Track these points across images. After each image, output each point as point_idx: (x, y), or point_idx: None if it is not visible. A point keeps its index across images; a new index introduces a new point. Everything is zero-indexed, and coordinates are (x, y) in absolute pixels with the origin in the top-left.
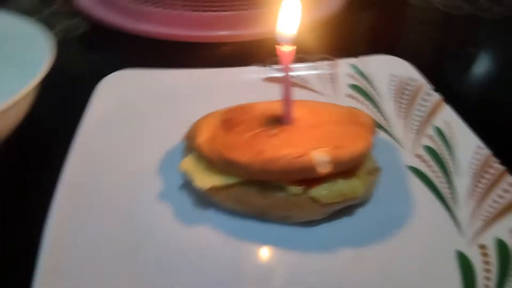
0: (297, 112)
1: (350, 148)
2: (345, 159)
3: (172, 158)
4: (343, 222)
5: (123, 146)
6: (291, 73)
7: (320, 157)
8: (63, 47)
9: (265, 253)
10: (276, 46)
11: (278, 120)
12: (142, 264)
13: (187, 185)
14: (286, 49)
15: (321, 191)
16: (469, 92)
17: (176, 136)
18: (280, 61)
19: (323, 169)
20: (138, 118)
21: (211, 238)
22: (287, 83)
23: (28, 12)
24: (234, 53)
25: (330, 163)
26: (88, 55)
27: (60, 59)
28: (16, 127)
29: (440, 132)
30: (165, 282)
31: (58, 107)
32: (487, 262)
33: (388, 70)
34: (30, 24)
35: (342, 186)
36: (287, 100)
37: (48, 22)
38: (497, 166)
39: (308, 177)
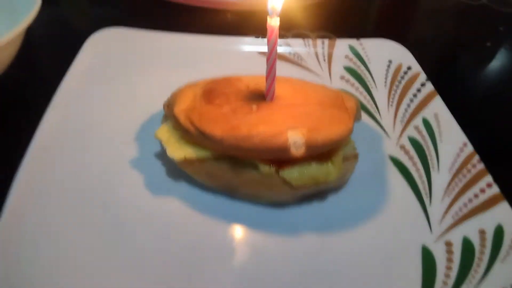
0: (281, 90)
1: (327, 131)
2: (320, 143)
3: (152, 124)
4: (314, 207)
5: (103, 106)
6: (283, 49)
7: (295, 138)
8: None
9: (230, 230)
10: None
11: (260, 96)
12: (104, 225)
13: (163, 153)
14: (272, 23)
15: (292, 173)
16: (467, 87)
17: (159, 102)
18: (268, 35)
19: (296, 151)
20: (122, 78)
21: (178, 209)
22: (272, 60)
23: None
24: (234, 21)
25: (304, 145)
26: (86, 8)
27: (54, 10)
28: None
29: (427, 124)
30: (124, 245)
31: (45, 62)
32: (450, 260)
33: (387, 55)
34: None
35: (315, 170)
36: (270, 76)
37: None
38: (477, 164)
39: (280, 158)
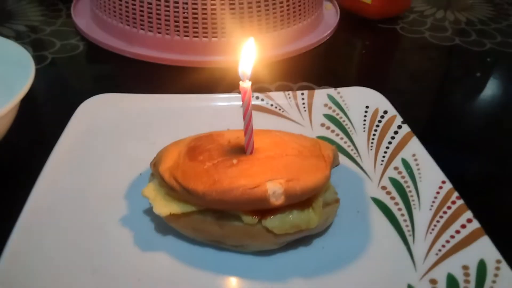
0: (261, 142)
1: (304, 180)
2: (298, 192)
3: (141, 182)
4: (300, 252)
5: (94, 168)
6: (265, 102)
7: (274, 189)
8: (58, 66)
9: (220, 281)
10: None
11: (241, 150)
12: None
13: (151, 210)
14: (245, 85)
15: (274, 222)
16: (441, 125)
17: (147, 161)
18: (242, 96)
19: (276, 201)
20: (112, 140)
21: (167, 264)
22: (248, 117)
23: (32, 29)
24: (221, 77)
25: (283, 195)
26: (81, 75)
27: (53, 78)
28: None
29: (406, 165)
30: None
31: (41, 129)
32: None
33: (363, 102)
34: (15, 47)
35: (296, 218)
36: (248, 132)
37: (48, 40)
38: (456, 201)
39: (262, 208)
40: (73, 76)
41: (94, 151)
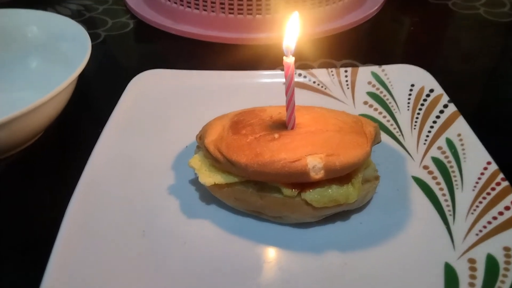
0: (302, 118)
1: (344, 156)
2: (338, 167)
3: (187, 154)
4: (337, 226)
5: (144, 140)
6: (308, 79)
7: (314, 163)
8: (110, 43)
9: (258, 249)
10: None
11: (282, 125)
12: (144, 249)
13: (197, 180)
14: (288, 60)
15: (313, 195)
16: (491, 107)
17: (195, 133)
18: (285, 71)
19: (316, 175)
20: (161, 114)
21: (210, 231)
22: (290, 93)
23: (86, 7)
24: (264, 54)
25: (323, 169)
26: (131, 51)
27: (106, 54)
28: (56, 117)
29: (451, 144)
30: (163, 267)
31: (96, 101)
32: (473, 276)
33: (408, 80)
34: (74, 24)
35: (335, 192)
36: (290, 107)
37: (101, 19)
38: (502, 182)
39: (302, 181)
40: (124, 52)
41: (144, 124)
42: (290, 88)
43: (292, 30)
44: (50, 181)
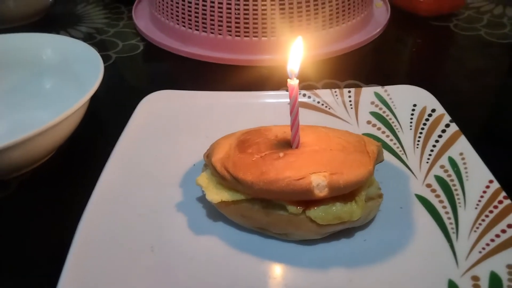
0: (306, 137)
1: (348, 174)
2: (341, 185)
3: (196, 172)
4: (342, 243)
5: (153, 158)
6: (312, 100)
7: (318, 181)
8: (121, 65)
9: (264, 266)
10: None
11: (287, 144)
12: (152, 264)
13: (204, 198)
14: (292, 82)
15: (318, 213)
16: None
17: (202, 152)
18: (289, 93)
19: (320, 193)
20: (169, 133)
21: (216, 247)
22: (294, 113)
23: (98, 30)
24: (270, 75)
25: (327, 187)
26: (141, 73)
27: (117, 76)
28: (69, 136)
29: (453, 163)
30: (171, 282)
31: (107, 121)
32: None
33: (411, 100)
34: (87, 48)
35: (339, 210)
36: (294, 127)
37: (112, 41)
38: (504, 200)
39: (306, 199)
40: (134, 73)
41: (153, 142)
42: (294, 109)
43: (295, 54)
44: (62, 198)
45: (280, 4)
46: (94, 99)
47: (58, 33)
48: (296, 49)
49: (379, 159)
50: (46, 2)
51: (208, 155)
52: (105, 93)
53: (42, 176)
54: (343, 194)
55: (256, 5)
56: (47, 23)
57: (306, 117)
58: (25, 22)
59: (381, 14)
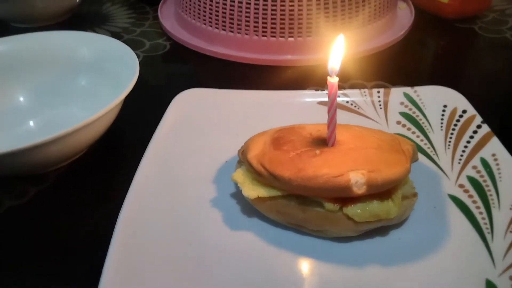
0: (341, 136)
1: (386, 172)
2: (379, 183)
3: (229, 169)
4: (376, 241)
5: (188, 155)
6: (341, 99)
7: (356, 179)
8: (148, 64)
9: (299, 262)
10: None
11: (322, 142)
12: (189, 260)
13: (238, 194)
14: (332, 80)
15: (355, 210)
16: None
17: (234, 149)
18: (329, 90)
19: (358, 190)
20: (203, 131)
21: (252, 243)
22: (332, 111)
23: (124, 30)
24: (295, 76)
25: (365, 185)
26: (168, 72)
27: (144, 74)
28: (103, 134)
29: (486, 164)
30: (207, 279)
31: (138, 118)
32: None
33: (441, 101)
34: (122, 46)
35: (376, 207)
36: (331, 125)
37: (138, 41)
38: None
39: (344, 196)
40: (162, 72)
41: (185, 140)
42: (333, 106)
43: (336, 52)
44: (98, 192)
45: (308, 5)
46: (125, 97)
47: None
48: (338, 47)
49: (414, 158)
50: (73, 1)
51: (243, 152)
52: (134, 90)
53: (78, 171)
54: (380, 192)
55: (283, 5)
56: (74, 23)
57: (336, 116)
58: (53, 22)
59: (405, 16)
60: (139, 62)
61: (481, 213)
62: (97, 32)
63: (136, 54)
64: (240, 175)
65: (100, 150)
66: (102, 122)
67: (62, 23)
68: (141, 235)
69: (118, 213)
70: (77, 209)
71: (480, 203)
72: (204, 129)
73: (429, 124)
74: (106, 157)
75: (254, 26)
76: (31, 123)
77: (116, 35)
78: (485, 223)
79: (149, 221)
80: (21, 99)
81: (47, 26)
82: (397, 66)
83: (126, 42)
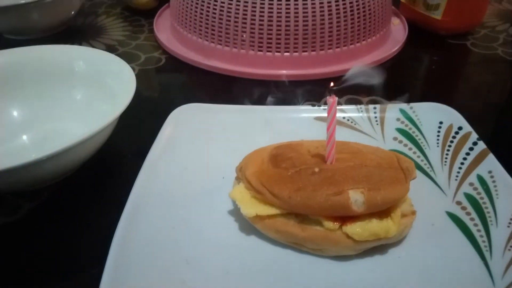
0: (340, 153)
1: (386, 191)
2: (379, 202)
3: (226, 185)
4: (376, 260)
5: (184, 171)
6: (338, 115)
7: (355, 197)
8: (143, 77)
9: (298, 281)
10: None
11: (321, 159)
12: (188, 278)
13: (236, 211)
14: (331, 99)
15: (355, 229)
16: None
17: (232, 165)
18: (328, 109)
19: (358, 209)
20: (199, 146)
21: (251, 262)
22: (331, 129)
23: (119, 42)
24: (291, 91)
25: (364, 203)
26: (164, 85)
27: (139, 88)
28: (99, 149)
29: (482, 181)
30: None
31: (133, 133)
32: None
33: (437, 118)
34: (119, 61)
35: (376, 226)
36: (330, 143)
37: (133, 54)
38: None
39: (343, 215)
40: (158, 86)
41: (182, 155)
42: (332, 125)
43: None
44: (93, 209)
45: (304, 21)
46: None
47: (80, 44)
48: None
49: (412, 176)
50: (69, 14)
51: (241, 169)
52: (130, 104)
53: (73, 187)
54: (378, 210)
55: (280, 20)
56: (69, 35)
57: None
58: (48, 34)
59: (398, 32)
60: (136, 75)
61: (479, 230)
62: (92, 45)
63: (131, 67)
64: (238, 193)
65: (95, 165)
66: (98, 138)
67: (57, 35)
68: (137, 253)
69: (114, 230)
70: (71, 226)
71: (478, 221)
72: (201, 144)
73: (426, 141)
74: (101, 172)
75: (251, 41)
76: (25, 137)
77: (111, 48)
78: (484, 241)
79: (145, 240)
80: (15, 113)
81: (42, 38)
82: (392, 81)
83: (121, 55)
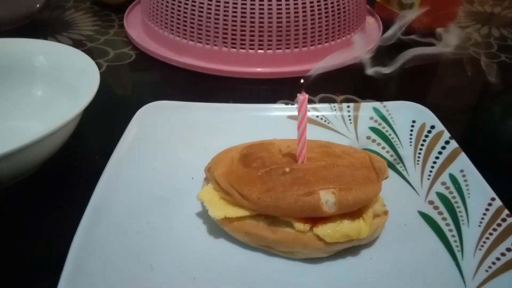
0: (312, 152)
1: (357, 191)
2: (350, 202)
3: (195, 186)
4: (348, 261)
5: (150, 171)
6: (312, 114)
7: (326, 198)
8: (112, 73)
9: (268, 285)
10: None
11: (292, 159)
12: (153, 285)
13: (204, 213)
14: (301, 97)
15: (326, 230)
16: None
17: (201, 165)
18: (298, 107)
19: (329, 210)
20: (166, 146)
21: (219, 266)
22: (302, 128)
23: (88, 38)
24: (264, 89)
25: (335, 204)
26: (133, 82)
27: (108, 85)
28: (61, 147)
29: (454, 180)
30: None
31: (100, 131)
32: None
33: (410, 116)
34: (82, 55)
35: (347, 227)
36: (301, 142)
37: (102, 49)
38: (507, 218)
39: (314, 216)
40: (126, 83)
41: (149, 155)
42: (302, 123)
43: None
44: (52, 211)
45: (278, 18)
46: (85, 109)
47: (46, 39)
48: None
49: (384, 176)
50: (32, 7)
51: (209, 169)
52: (96, 102)
53: (32, 189)
54: (350, 211)
55: (253, 17)
56: (33, 29)
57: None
58: (10, 27)
59: (373, 31)
60: (103, 72)
61: (450, 230)
62: (59, 40)
63: (100, 63)
64: (206, 194)
65: (57, 166)
66: (58, 136)
67: (20, 29)
68: (97, 260)
69: (74, 235)
70: (28, 231)
71: (449, 220)
72: (169, 143)
73: (399, 140)
74: (64, 173)
75: (223, 37)
76: None
77: (79, 43)
78: (455, 241)
79: (107, 245)
80: None
81: (4, 31)
82: (365, 80)
83: (90, 50)
